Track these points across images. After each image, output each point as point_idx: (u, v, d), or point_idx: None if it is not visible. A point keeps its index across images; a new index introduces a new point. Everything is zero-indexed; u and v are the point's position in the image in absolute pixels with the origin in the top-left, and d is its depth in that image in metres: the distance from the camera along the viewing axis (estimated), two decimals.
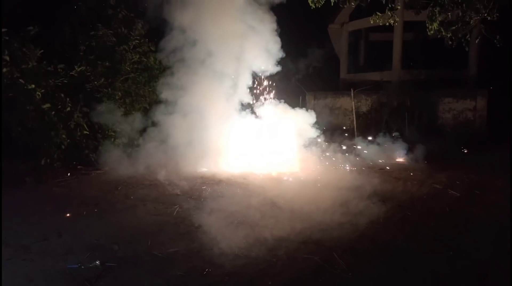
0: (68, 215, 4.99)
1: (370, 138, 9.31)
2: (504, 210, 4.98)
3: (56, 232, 4.37)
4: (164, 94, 8.41)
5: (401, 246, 4.01)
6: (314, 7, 6.56)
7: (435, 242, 4.06)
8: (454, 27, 6.05)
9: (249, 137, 8.11)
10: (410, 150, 8.76)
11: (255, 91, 8.97)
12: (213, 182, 6.77)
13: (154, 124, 8.61)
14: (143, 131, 8.77)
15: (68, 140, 7.58)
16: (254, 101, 8.69)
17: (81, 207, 5.32)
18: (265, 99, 9.08)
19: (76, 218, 4.91)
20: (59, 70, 7.79)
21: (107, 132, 8.38)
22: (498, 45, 6.00)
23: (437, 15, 6.03)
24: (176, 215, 4.98)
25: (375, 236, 4.25)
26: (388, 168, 7.89)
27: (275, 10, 8.08)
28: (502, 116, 11.92)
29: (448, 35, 6.24)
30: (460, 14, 5.77)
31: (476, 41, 6.29)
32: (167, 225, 4.62)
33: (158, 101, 8.84)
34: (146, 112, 9.23)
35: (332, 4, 6.53)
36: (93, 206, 5.38)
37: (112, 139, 8.43)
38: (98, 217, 4.93)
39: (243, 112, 8.43)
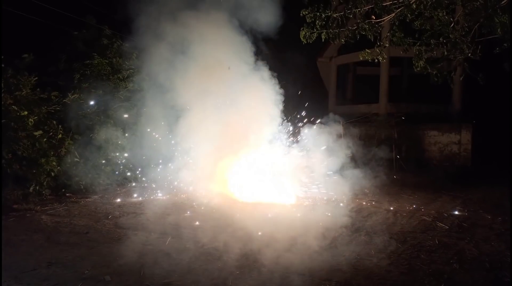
0: (58, 244, 4.91)
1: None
2: (495, 248, 5.06)
3: (46, 262, 4.29)
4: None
5: (396, 283, 4.03)
6: (305, 42, 6.80)
7: (430, 278, 4.09)
8: (439, 65, 6.33)
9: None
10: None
11: None
12: (207, 211, 6.75)
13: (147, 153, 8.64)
14: (133, 158, 8.79)
15: (58, 168, 7.53)
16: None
17: (71, 236, 5.24)
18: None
19: (66, 247, 4.83)
20: (52, 97, 7.84)
21: (97, 159, 8.35)
22: (481, 83, 6.28)
23: (423, 53, 6.31)
24: (169, 245, 4.94)
25: (369, 271, 4.27)
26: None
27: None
28: (485, 150, 12.27)
29: (434, 72, 6.50)
30: (445, 53, 6.04)
31: (461, 79, 6.54)
32: (160, 255, 4.57)
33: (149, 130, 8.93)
34: (137, 140, 9.26)
35: (322, 41, 6.79)
36: (83, 235, 5.31)
37: (103, 167, 8.39)
38: (88, 247, 4.86)
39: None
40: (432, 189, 9.18)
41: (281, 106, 8.30)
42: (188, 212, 6.65)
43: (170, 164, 8.62)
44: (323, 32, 6.31)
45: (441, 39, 5.88)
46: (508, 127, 10.86)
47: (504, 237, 5.51)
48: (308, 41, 6.75)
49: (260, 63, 8.21)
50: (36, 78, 7.52)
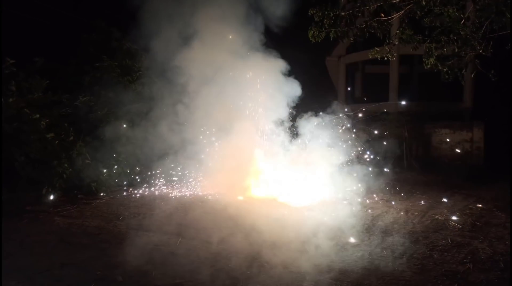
0: (70, 245, 4.96)
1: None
2: (509, 247, 4.97)
3: (59, 263, 4.34)
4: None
5: (409, 283, 3.99)
6: (314, 41, 6.78)
7: (444, 278, 4.05)
8: (450, 62, 6.26)
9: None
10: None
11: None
12: (218, 211, 6.76)
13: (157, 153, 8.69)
14: (144, 159, 8.84)
15: (70, 169, 7.61)
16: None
17: (83, 237, 5.29)
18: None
19: (79, 248, 4.88)
20: (63, 100, 7.93)
21: (108, 161, 8.42)
22: (493, 80, 6.19)
23: (433, 51, 6.24)
24: (180, 246, 4.96)
25: (381, 271, 4.24)
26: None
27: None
28: (498, 148, 12.08)
29: (444, 70, 6.43)
30: (456, 49, 5.97)
31: (472, 76, 6.46)
32: (171, 256, 4.59)
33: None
34: (148, 141, 9.32)
35: (331, 39, 6.75)
36: (95, 236, 5.36)
37: (114, 168, 8.46)
38: (101, 248, 4.90)
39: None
40: (444, 187, 9.08)
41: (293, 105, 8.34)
42: (199, 212, 6.66)
43: (181, 165, 8.68)
44: (331, 31, 6.28)
45: (451, 35, 5.81)
46: None
47: None
48: (317, 40, 6.73)
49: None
50: (48, 81, 7.61)
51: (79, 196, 7.76)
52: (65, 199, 7.45)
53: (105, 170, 8.28)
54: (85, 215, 6.51)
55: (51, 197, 7.27)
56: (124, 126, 8.84)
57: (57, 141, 7.45)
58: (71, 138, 7.81)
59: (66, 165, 7.51)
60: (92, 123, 8.37)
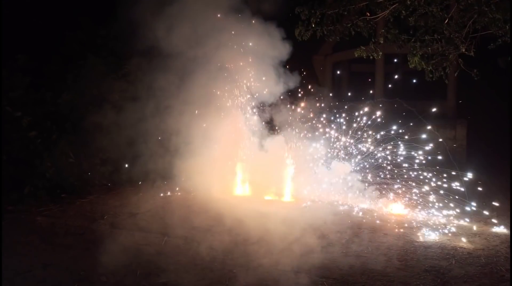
0: (53, 245, 4.88)
1: None
2: (490, 242, 5.08)
3: (42, 263, 4.27)
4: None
5: (392, 278, 4.03)
6: (300, 39, 6.80)
7: (426, 274, 4.11)
8: (434, 61, 6.35)
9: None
10: None
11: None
12: (204, 209, 6.73)
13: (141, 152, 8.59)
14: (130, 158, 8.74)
15: (53, 168, 7.49)
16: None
17: (66, 237, 5.21)
18: None
19: (62, 248, 4.80)
20: (46, 98, 7.78)
21: (93, 160, 8.30)
22: (475, 79, 6.30)
23: (418, 50, 6.32)
24: (165, 245, 4.92)
25: (366, 267, 4.28)
26: None
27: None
28: (480, 145, 12.30)
29: (429, 69, 6.52)
30: (440, 49, 6.06)
31: (455, 75, 6.57)
32: (156, 255, 4.55)
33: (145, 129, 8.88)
34: (132, 140, 9.22)
35: (317, 38, 6.78)
36: (79, 236, 5.28)
37: (98, 167, 8.34)
38: (84, 248, 4.83)
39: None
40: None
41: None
42: (184, 211, 6.62)
43: (167, 163, 8.59)
44: (318, 29, 6.31)
45: (435, 35, 5.89)
46: (503, 123, 10.91)
47: (498, 232, 5.54)
48: (303, 38, 6.75)
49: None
50: (30, 79, 7.46)
51: (62, 195, 7.62)
52: (48, 199, 7.31)
53: (89, 170, 8.16)
54: (68, 214, 6.40)
55: (34, 196, 7.13)
56: (109, 124, 8.72)
57: (39, 140, 7.31)
58: (54, 136, 7.67)
59: (49, 164, 7.38)
60: (76, 122, 8.23)
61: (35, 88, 7.56)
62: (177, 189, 8.12)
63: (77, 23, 8.85)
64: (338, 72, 18.60)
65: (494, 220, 6.03)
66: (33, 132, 7.20)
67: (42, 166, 7.26)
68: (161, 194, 7.87)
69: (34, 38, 8.37)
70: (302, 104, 8.79)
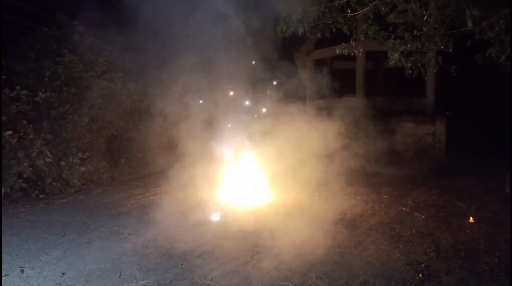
0: (31, 248, 4.75)
1: None
2: (470, 236, 5.20)
3: (19, 266, 4.14)
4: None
5: (376, 274, 4.08)
6: (282, 36, 6.79)
7: (408, 267, 4.17)
8: (413, 58, 6.43)
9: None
10: None
11: None
12: (187, 208, 6.67)
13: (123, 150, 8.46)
14: (109, 158, 8.61)
15: (31, 168, 7.30)
16: None
17: (45, 239, 5.08)
18: None
19: (41, 250, 4.67)
20: (22, 96, 7.56)
21: (71, 159, 8.12)
22: (453, 75, 6.41)
23: (398, 47, 6.39)
24: (148, 245, 4.85)
25: (350, 263, 4.31)
26: None
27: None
28: (458, 140, 12.61)
29: (408, 65, 6.61)
30: (419, 46, 6.15)
31: (434, 71, 6.67)
32: (139, 256, 4.48)
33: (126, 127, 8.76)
34: (113, 138, 9.08)
35: (299, 35, 6.79)
36: (58, 237, 5.15)
37: (77, 167, 8.17)
38: (64, 250, 4.71)
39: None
40: (409, 180, 9.37)
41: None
42: (169, 210, 6.54)
43: (149, 164, 8.51)
44: (299, 26, 6.31)
45: (415, 32, 5.96)
46: (480, 119, 11.18)
47: (478, 225, 5.66)
48: (285, 35, 6.74)
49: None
50: (4, 77, 7.24)
51: (40, 196, 7.45)
52: (26, 200, 7.13)
53: (68, 169, 7.98)
54: (47, 216, 6.25)
55: (11, 198, 6.93)
56: (88, 123, 8.56)
57: (15, 140, 7.10)
58: (31, 136, 7.47)
59: (25, 164, 7.19)
60: (54, 120, 8.03)
61: (10, 87, 7.33)
62: (162, 189, 8.03)
63: (53, 19, 8.61)
64: (320, 69, 18.74)
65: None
66: (8, 131, 6.99)
67: (19, 166, 7.06)
68: (144, 195, 7.76)
69: (8, 35, 8.11)
70: None
